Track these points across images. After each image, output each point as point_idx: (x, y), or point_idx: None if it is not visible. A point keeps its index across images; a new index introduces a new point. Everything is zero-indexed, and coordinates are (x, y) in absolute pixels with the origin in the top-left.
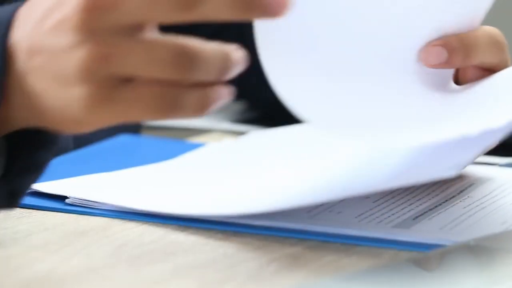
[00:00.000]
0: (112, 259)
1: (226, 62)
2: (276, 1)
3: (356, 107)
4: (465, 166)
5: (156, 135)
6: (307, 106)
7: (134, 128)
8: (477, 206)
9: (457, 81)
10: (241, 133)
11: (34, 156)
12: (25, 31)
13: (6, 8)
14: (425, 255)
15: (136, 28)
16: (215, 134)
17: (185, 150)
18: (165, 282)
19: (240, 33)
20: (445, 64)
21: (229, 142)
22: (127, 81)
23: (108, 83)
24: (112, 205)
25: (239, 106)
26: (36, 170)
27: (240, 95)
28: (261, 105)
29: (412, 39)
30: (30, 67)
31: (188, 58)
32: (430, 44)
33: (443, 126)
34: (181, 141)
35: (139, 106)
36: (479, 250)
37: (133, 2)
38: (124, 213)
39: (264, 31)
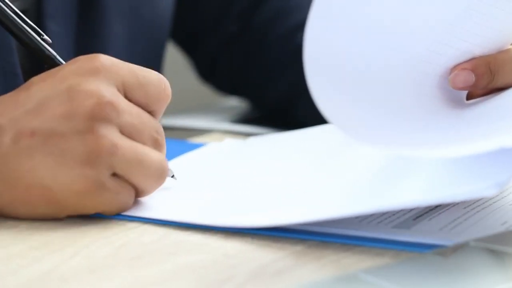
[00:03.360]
0: (112, 259)
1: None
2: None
3: (394, 128)
4: (507, 182)
5: None
6: (353, 128)
7: None
8: (477, 206)
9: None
10: (241, 133)
11: None
12: (13, 114)
13: None
14: (425, 255)
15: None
16: (216, 134)
17: (185, 150)
18: (165, 282)
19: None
20: (471, 87)
21: (238, 143)
22: (114, 174)
23: (106, 172)
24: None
25: (240, 106)
26: None
27: (242, 95)
28: (263, 106)
29: (442, 60)
30: (18, 148)
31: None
32: (459, 67)
33: (470, 141)
34: (181, 141)
35: (118, 199)
36: (479, 250)
37: (130, 113)
38: (124, 213)
39: (313, 55)
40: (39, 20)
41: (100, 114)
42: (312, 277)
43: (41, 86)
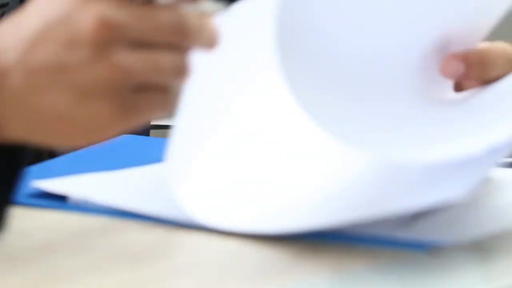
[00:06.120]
0: (112, 259)
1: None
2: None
3: (365, 118)
4: (474, 188)
5: (158, 135)
6: (324, 116)
7: (143, 130)
8: (475, 206)
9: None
10: None
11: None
12: (17, 50)
13: None
14: (425, 255)
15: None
16: None
17: None
18: (165, 282)
19: None
20: (462, 78)
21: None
22: (138, 89)
23: (125, 94)
24: (113, 206)
25: None
26: (13, 189)
27: None
28: None
29: (417, 48)
30: (32, 84)
31: (186, 65)
32: (451, 56)
33: (447, 140)
34: None
35: (149, 109)
36: (479, 250)
37: (140, 25)
38: (124, 213)
39: (285, 41)
40: None
41: (103, 38)
42: (312, 277)
43: (41, 9)
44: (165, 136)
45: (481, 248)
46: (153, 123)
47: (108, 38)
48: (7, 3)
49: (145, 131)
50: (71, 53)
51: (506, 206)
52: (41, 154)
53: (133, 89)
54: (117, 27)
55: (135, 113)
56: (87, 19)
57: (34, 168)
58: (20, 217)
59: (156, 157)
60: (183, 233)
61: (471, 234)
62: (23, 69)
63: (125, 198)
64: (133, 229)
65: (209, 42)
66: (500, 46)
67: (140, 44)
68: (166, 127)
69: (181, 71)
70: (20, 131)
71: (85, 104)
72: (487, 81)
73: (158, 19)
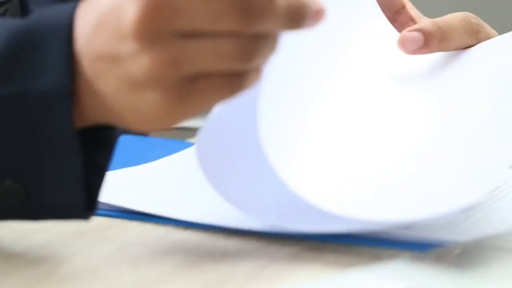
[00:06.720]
0: (112, 259)
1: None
2: (314, 12)
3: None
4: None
5: (157, 135)
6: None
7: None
8: (477, 206)
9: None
10: None
11: (100, 157)
12: (84, 35)
13: (63, 10)
14: (425, 254)
15: (198, 32)
16: None
17: None
18: (165, 282)
19: None
20: (422, 49)
21: None
22: (196, 77)
23: (178, 84)
24: (112, 205)
25: None
26: (103, 172)
27: None
28: None
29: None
30: (95, 72)
31: (252, 50)
32: (406, 31)
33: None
34: (181, 141)
35: (212, 96)
36: (479, 250)
37: (194, 12)
38: (124, 213)
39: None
40: None
41: (147, 30)
42: (312, 277)
43: None
44: (164, 136)
45: (481, 249)
46: None
47: (154, 29)
48: (10, 0)
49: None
50: (120, 44)
51: (506, 206)
52: None
53: (190, 77)
54: (167, 16)
55: (193, 101)
56: (133, 9)
57: None
58: None
59: (155, 157)
60: (183, 233)
61: (472, 234)
62: (87, 55)
63: (125, 197)
64: (133, 229)
65: (292, 22)
66: (458, 15)
67: (197, 32)
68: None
69: (250, 56)
70: (99, 116)
71: (139, 94)
72: (450, 49)
73: (216, 4)
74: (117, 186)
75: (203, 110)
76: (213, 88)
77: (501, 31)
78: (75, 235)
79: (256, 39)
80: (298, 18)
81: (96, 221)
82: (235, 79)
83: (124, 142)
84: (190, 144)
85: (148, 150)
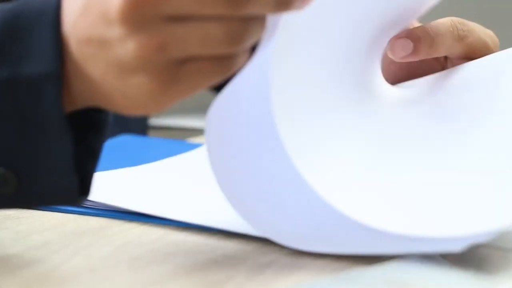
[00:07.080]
0: (112, 259)
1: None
2: None
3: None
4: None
5: (156, 136)
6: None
7: (141, 129)
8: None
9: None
10: None
11: (93, 140)
12: (71, 19)
13: None
14: (425, 255)
15: (186, 16)
16: None
17: (185, 150)
18: (165, 282)
19: None
20: (412, 55)
21: None
22: (184, 61)
23: (166, 68)
24: (112, 206)
25: None
26: (96, 155)
27: None
28: None
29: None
30: (83, 55)
31: (240, 33)
32: (395, 37)
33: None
34: (181, 141)
35: (200, 79)
36: (479, 250)
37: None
38: (124, 213)
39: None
40: None
41: (133, 14)
42: (312, 277)
43: None
44: (164, 136)
45: (481, 249)
46: (152, 123)
47: (141, 13)
48: None
49: (144, 131)
50: (107, 28)
51: (506, 206)
52: None
53: (178, 61)
54: (154, 0)
55: (181, 85)
56: None
57: None
58: (20, 217)
59: (155, 157)
60: (183, 233)
61: (472, 234)
62: (75, 39)
63: (124, 198)
64: (133, 229)
65: (280, 4)
66: (445, 21)
67: (185, 16)
68: (166, 127)
69: (238, 40)
70: (88, 99)
71: (127, 78)
72: (439, 54)
73: None
74: (116, 186)
75: (191, 93)
76: (201, 71)
77: (501, 31)
78: (74, 235)
79: (244, 22)
80: (286, 0)
81: (95, 221)
82: (223, 62)
83: (124, 142)
84: (190, 144)
85: (148, 150)
